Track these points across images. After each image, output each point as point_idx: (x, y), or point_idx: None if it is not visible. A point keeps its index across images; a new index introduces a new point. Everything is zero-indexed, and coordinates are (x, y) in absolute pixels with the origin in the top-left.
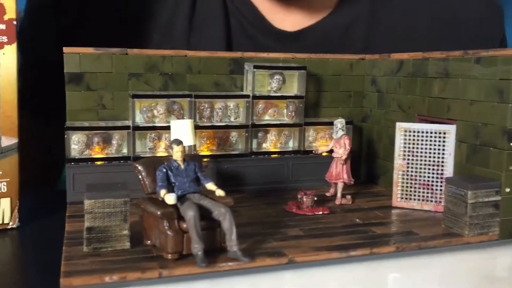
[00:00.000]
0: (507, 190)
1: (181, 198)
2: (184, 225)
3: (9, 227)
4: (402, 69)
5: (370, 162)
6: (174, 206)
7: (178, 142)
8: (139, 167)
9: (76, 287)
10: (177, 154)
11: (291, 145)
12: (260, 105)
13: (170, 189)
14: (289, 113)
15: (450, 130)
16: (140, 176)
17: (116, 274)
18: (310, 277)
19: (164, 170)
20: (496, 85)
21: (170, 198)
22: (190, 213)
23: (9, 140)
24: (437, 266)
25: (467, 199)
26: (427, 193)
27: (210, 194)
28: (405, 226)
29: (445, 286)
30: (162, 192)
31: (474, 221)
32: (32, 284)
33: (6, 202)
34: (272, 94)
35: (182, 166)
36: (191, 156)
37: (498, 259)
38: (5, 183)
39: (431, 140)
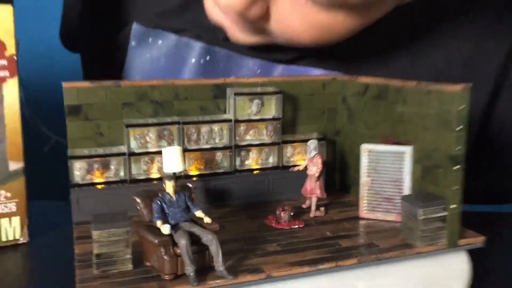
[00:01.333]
0: (452, 206)
1: (174, 227)
2: (178, 250)
3: (20, 242)
4: (368, 92)
5: (342, 172)
6: (168, 234)
7: (170, 178)
8: (137, 200)
9: None
10: (169, 188)
11: (271, 161)
12: (242, 127)
13: (165, 218)
14: (268, 133)
15: (407, 151)
16: (138, 207)
17: None
18: None
19: (159, 202)
20: (443, 116)
21: (166, 229)
22: (182, 242)
23: (16, 165)
24: (393, 275)
25: (418, 216)
26: (390, 205)
27: (199, 221)
28: (368, 238)
29: None
30: (158, 223)
31: (425, 234)
32: None
33: (16, 221)
34: (252, 117)
35: (174, 198)
36: (181, 187)
37: (446, 266)
38: (14, 204)
39: (391, 160)
